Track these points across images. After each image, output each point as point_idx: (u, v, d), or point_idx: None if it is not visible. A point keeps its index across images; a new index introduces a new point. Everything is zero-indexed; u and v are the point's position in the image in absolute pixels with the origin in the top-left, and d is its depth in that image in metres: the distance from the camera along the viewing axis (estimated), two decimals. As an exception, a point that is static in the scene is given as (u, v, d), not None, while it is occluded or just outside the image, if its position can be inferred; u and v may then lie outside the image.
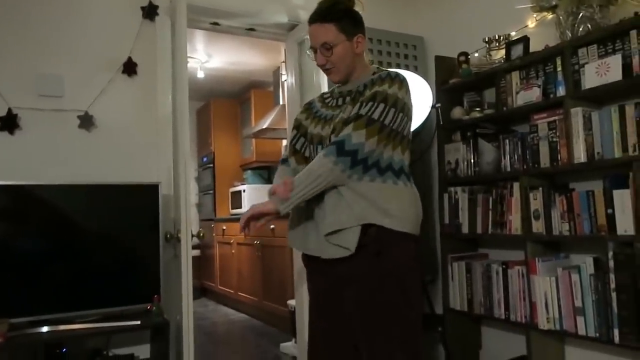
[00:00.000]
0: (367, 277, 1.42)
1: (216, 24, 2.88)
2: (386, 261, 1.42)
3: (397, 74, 1.48)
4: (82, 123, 2.40)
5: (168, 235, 2.39)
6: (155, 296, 2.26)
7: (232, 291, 5.12)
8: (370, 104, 1.41)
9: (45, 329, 2.02)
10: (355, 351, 1.47)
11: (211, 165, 5.96)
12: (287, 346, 3.44)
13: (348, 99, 1.55)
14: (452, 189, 2.68)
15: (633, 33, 1.92)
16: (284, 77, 4.25)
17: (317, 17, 1.51)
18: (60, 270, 2.16)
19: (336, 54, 1.51)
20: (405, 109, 1.46)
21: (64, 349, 2.08)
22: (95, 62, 2.47)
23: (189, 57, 4.87)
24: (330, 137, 1.49)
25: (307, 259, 1.58)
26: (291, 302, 3.38)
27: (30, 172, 2.27)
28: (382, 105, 1.41)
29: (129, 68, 2.52)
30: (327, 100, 1.66)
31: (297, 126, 1.68)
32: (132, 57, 2.52)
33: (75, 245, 2.21)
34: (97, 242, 2.25)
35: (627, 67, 1.94)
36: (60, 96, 2.38)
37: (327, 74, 1.58)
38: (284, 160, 1.69)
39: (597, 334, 1.98)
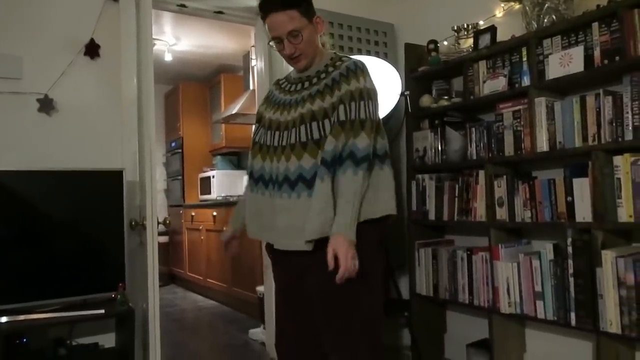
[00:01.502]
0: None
1: (183, 5, 2.80)
2: None
3: (363, 65, 1.50)
4: (42, 107, 2.31)
5: (133, 223, 2.34)
6: (120, 284, 2.22)
7: (201, 278, 5.08)
8: (361, 103, 1.44)
9: (4, 319, 1.96)
10: (319, 338, 1.48)
11: (180, 150, 5.86)
12: (256, 332, 3.44)
13: (307, 84, 1.53)
14: (419, 176, 2.71)
15: (595, 25, 1.96)
16: (253, 62, 4.19)
17: (277, 4, 1.45)
18: (20, 258, 2.09)
19: (305, 40, 1.49)
20: (377, 99, 1.52)
21: (25, 339, 2.03)
22: (56, 43, 2.37)
23: (156, 39, 4.74)
24: (300, 125, 1.46)
25: (271, 248, 1.58)
26: (260, 289, 3.38)
27: (-14, 157, 2.19)
28: (370, 103, 1.46)
29: (92, 50, 2.43)
30: (283, 85, 1.64)
31: (259, 119, 1.65)
32: (94, 38, 2.44)
33: (36, 233, 2.14)
34: (59, 229, 2.19)
35: (588, 58, 1.99)
36: (18, 78, 2.28)
37: (295, 63, 1.54)
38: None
39: (555, 317, 2.05)
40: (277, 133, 1.52)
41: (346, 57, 1.55)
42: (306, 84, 1.54)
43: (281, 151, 1.48)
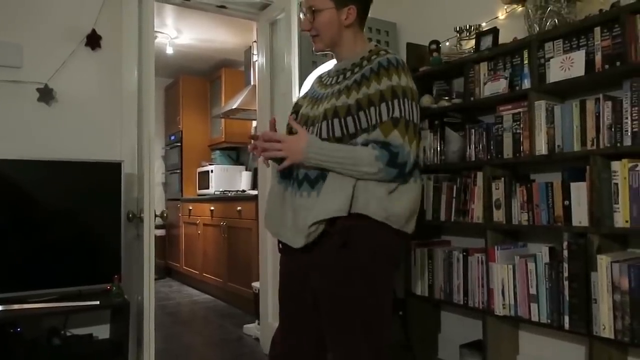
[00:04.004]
0: (332, 268, 1.38)
1: (186, -1, 2.80)
2: (352, 253, 1.36)
3: (398, 62, 1.40)
4: (42, 96, 2.31)
5: (130, 215, 2.34)
6: (116, 276, 2.22)
7: (197, 272, 5.08)
8: (397, 101, 1.34)
9: (-2, 307, 1.97)
10: (320, 337, 1.45)
11: (179, 144, 5.85)
12: (251, 328, 3.45)
13: (341, 77, 1.48)
14: (418, 176, 2.71)
15: (597, 30, 1.96)
16: (255, 57, 4.18)
17: None
18: (15, 247, 2.10)
19: (319, 20, 1.46)
20: (416, 99, 1.40)
21: (19, 329, 2.03)
22: (57, 32, 2.37)
23: (158, 32, 4.73)
24: (322, 122, 1.42)
25: (281, 245, 1.53)
26: (255, 284, 3.39)
27: (-16, 145, 2.18)
28: (407, 103, 1.35)
29: (93, 41, 2.43)
30: (323, 80, 1.59)
31: (296, 111, 1.62)
32: (96, 29, 2.44)
33: (32, 223, 2.14)
34: (55, 220, 2.19)
35: (589, 63, 1.99)
36: (18, 67, 2.28)
37: (312, 41, 1.53)
38: None
39: (549, 320, 2.06)
40: (303, 128, 1.47)
41: (385, 51, 1.44)
42: (340, 78, 1.48)
43: None
